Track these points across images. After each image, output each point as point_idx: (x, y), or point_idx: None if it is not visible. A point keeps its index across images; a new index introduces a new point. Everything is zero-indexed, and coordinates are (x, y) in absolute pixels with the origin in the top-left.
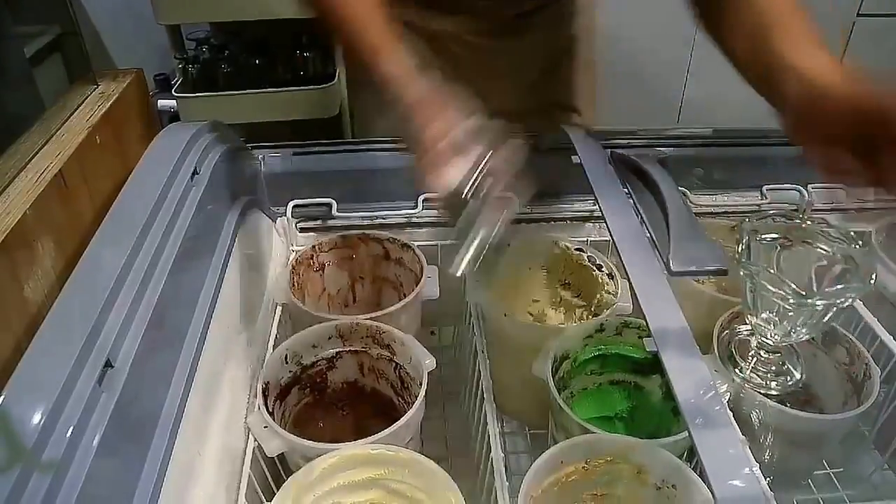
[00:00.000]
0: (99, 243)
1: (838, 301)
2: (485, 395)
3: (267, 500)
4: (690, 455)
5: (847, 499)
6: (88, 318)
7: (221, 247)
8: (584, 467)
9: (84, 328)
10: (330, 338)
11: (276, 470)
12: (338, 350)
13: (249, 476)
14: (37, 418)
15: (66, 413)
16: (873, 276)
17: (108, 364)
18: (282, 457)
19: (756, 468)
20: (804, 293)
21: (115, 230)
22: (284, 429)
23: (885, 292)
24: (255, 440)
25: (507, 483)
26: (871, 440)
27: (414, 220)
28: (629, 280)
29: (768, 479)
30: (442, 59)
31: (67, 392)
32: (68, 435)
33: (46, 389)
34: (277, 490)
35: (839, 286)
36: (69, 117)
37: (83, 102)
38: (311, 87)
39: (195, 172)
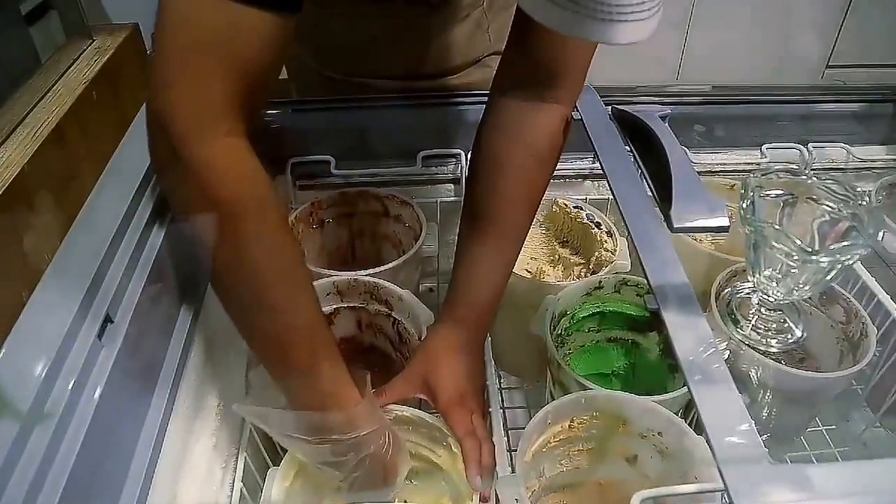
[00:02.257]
0: (97, 198)
1: (843, 258)
2: (483, 351)
3: (267, 452)
4: (686, 412)
5: (838, 456)
6: (87, 272)
7: None
8: (569, 426)
9: (83, 283)
10: (328, 294)
11: None
12: (336, 306)
13: (251, 430)
14: (37, 372)
15: (66, 367)
16: (881, 234)
17: (107, 319)
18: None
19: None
20: (809, 250)
21: (113, 186)
22: None
23: (883, 252)
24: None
25: (505, 438)
26: (864, 398)
27: (413, 177)
28: (630, 237)
29: (764, 437)
30: (371, 33)
31: (67, 347)
32: (69, 388)
33: (47, 343)
34: (278, 443)
35: (845, 243)
36: (65, 72)
37: (79, 57)
38: None
39: None
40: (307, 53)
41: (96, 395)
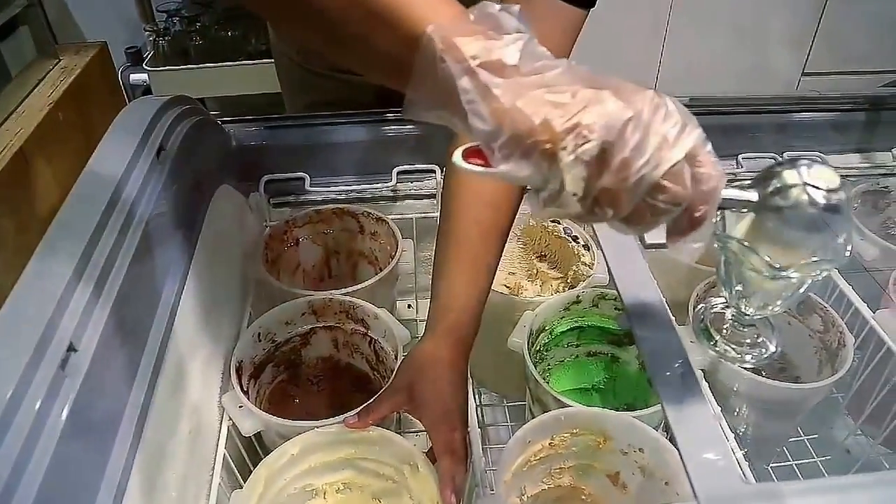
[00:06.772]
0: (61, 224)
1: (813, 274)
2: (467, 367)
3: (243, 478)
4: (667, 426)
5: (821, 465)
6: (50, 300)
7: (190, 225)
8: (550, 443)
9: (45, 311)
10: (303, 314)
11: (253, 447)
12: (311, 326)
13: (224, 455)
14: None
15: (27, 398)
16: (849, 248)
17: (71, 348)
18: (258, 434)
19: (731, 439)
20: (777, 266)
21: (77, 210)
22: (260, 407)
23: (859, 259)
24: (230, 419)
25: (483, 457)
26: (844, 406)
27: (388, 193)
28: (604, 254)
29: (744, 450)
30: None
31: (28, 377)
32: (31, 420)
33: (7, 374)
34: (254, 467)
35: (814, 259)
36: (29, 94)
37: (44, 78)
38: None
39: (161, 148)
40: (291, 49)
41: (59, 425)
